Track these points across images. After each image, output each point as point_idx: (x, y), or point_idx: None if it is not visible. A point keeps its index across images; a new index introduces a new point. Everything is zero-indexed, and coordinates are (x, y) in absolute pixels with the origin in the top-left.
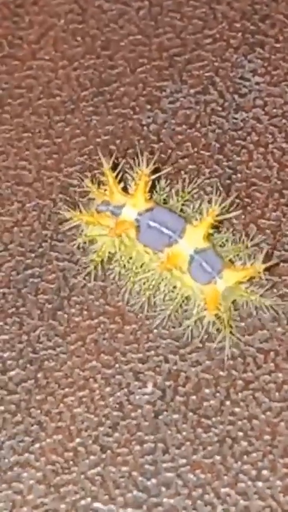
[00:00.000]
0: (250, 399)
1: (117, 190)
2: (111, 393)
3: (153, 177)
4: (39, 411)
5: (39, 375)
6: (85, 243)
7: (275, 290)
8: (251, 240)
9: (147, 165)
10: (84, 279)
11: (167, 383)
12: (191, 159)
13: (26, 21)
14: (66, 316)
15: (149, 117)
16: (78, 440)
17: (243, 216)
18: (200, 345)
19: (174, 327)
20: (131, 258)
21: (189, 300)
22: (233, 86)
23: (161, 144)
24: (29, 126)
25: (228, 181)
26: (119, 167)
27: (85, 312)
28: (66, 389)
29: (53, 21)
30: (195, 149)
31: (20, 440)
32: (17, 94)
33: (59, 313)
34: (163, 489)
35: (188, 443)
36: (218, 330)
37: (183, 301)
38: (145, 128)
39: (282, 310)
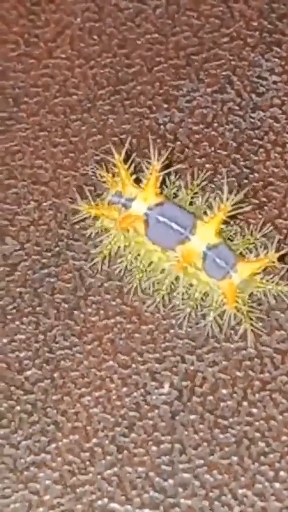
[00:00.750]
0: (267, 400)
1: (129, 181)
2: (128, 393)
3: (164, 172)
4: (55, 411)
5: (55, 375)
6: (97, 233)
7: None
8: (259, 231)
9: (158, 159)
10: (92, 270)
11: (184, 383)
12: (208, 158)
13: (42, 19)
14: (82, 315)
15: (165, 116)
16: (94, 440)
17: (260, 216)
18: (217, 345)
19: (191, 327)
20: (139, 254)
21: (208, 296)
22: (250, 84)
23: (178, 143)
24: (46, 125)
25: (245, 181)
26: (131, 158)
27: (102, 312)
28: (83, 389)
29: (69, 19)
30: (212, 148)
31: (36, 440)
32: (34, 93)
33: (76, 312)
34: (180, 490)
35: (205, 444)
36: (238, 323)
37: (202, 298)
38: (162, 126)
39: None
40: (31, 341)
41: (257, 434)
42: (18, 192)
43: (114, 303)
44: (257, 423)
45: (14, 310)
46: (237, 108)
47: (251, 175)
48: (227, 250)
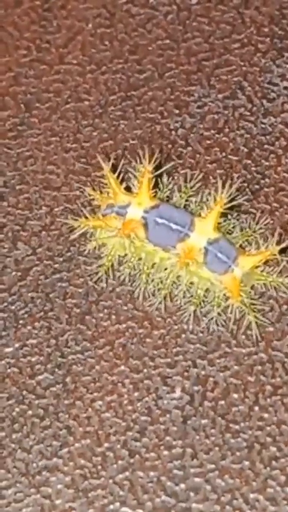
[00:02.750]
0: (279, 405)
1: (120, 190)
2: (140, 398)
3: (156, 173)
4: (67, 416)
5: (67, 380)
6: (95, 248)
7: None
8: (257, 223)
9: (149, 162)
10: (95, 283)
11: (196, 388)
12: (219, 164)
13: (54, 25)
14: (94, 320)
15: (177, 122)
16: (106, 445)
17: (271, 221)
18: (229, 350)
19: (202, 332)
20: (140, 259)
21: (210, 293)
22: (262, 90)
23: (189, 148)
24: (57, 131)
25: (256, 186)
26: (119, 167)
27: (113, 317)
28: (95, 394)
29: (81, 25)
30: (224, 154)
31: (48, 444)
32: (45, 98)
33: (87, 317)
34: (191, 494)
35: (216, 448)
36: (242, 316)
37: (204, 295)
38: (173, 132)
39: None
40: (43, 346)
41: (269, 439)
42: (30, 198)
43: (125, 307)
44: (268, 428)
45: (26, 315)
46: (248, 113)
47: (262, 181)
48: (227, 244)
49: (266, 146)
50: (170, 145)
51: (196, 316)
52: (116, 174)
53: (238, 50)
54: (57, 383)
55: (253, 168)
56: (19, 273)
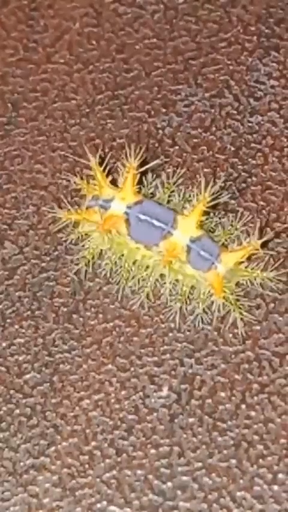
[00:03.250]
0: (266, 403)
1: (106, 183)
2: (127, 396)
3: (141, 170)
4: (54, 414)
5: (54, 378)
6: (78, 238)
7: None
8: (239, 220)
9: (135, 158)
10: (76, 275)
11: (183, 386)
12: (206, 162)
13: (41, 24)
14: (81, 319)
15: (164, 121)
16: (93, 443)
17: (258, 220)
18: (216, 349)
19: (189, 331)
20: (122, 255)
21: (195, 290)
22: (248, 89)
23: (176, 147)
24: (44, 130)
25: (243, 185)
26: (106, 161)
27: (100, 315)
28: (82, 393)
29: (68, 24)
30: (211, 152)
31: (35, 443)
32: (32, 97)
33: (75, 316)
34: (179, 492)
35: (203, 446)
36: (227, 312)
37: (189, 292)
38: (160, 131)
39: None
40: (30, 345)
41: (256, 437)
42: (17, 197)
43: (113, 306)
44: (255, 426)
45: (13, 314)
46: (235, 112)
47: (249, 179)
48: (210, 241)
49: (252, 145)
50: (157, 144)
51: (182, 314)
52: (103, 168)
53: (225, 48)
54: (44, 382)
55: (240, 167)
56: (6, 272)
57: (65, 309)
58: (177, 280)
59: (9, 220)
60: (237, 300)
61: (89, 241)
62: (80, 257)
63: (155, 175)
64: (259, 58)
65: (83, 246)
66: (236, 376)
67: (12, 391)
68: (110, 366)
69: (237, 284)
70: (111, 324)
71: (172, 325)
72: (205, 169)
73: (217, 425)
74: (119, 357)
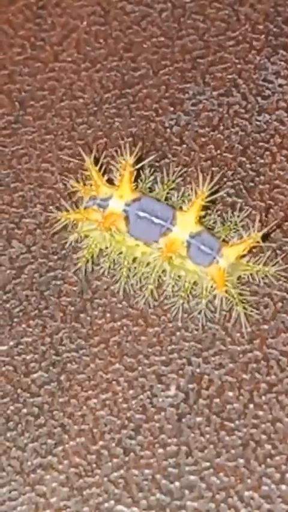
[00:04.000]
0: (273, 402)
1: (102, 182)
2: (134, 396)
3: (138, 166)
4: (62, 414)
5: (62, 378)
6: (77, 240)
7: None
8: (238, 216)
9: (131, 155)
10: (76, 274)
11: (190, 386)
12: (214, 161)
13: (48, 23)
14: (89, 318)
15: (171, 119)
16: (101, 443)
17: (265, 218)
18: (224, 348)
19: (197, 330)
20: (121, 253)
21: (197, 285)
22: (256, 88)
23: (184, 146)
24: (52, 128)
25: (251, 184)
26: (101, 160)
27: (108, 315)
28: (89, 392)
29: (75, 23)
30: (218, 151)
31: (43, 442)
32: (40, 96)
33: (82, 315)
34: (186, 492)
35: (211, 446)
36: (231, 308)
37: (191, 288)
38: (168, 130)
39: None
40: (38, 344)
41: (264, 437)
42: (25, 195)
43: (120, 305)
44: (263, 425)
45: (21, 313)
46: (243, 111)
47: (257, 178)
48: (210, 236)
49: (260, 144)
50: (164, 143)
51: (190, 314)
52: (98, 167)
53: (233, 47)
54: (51, 381)
55: (248, 166)
56: (14, 271)
57: (73, 308)
58: (179, 277)
59: (16, 219)
60: (240, 295)
61: (88, 240)
62: (80, 256)
63: (152, 170)
64: (267, 57)
65: (83, 245)
66: (244, 376)
67: (19, 390)
68: (117, 365)
69: (239, 279)
70: (119, 323)
71: (180, 324)
72: (213, 168)
73: (225, 424)
74: (126, 356)
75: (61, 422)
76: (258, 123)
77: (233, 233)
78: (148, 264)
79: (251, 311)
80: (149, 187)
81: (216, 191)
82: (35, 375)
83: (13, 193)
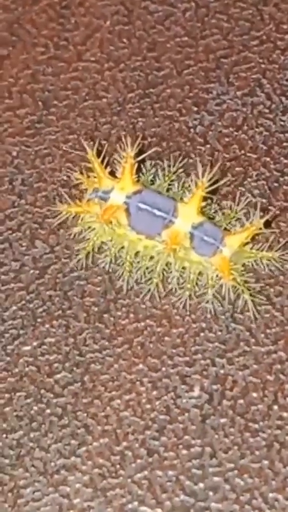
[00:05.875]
0: None
1: (104, 174)
2: (158, 397)
3: (139, 158)
4: (85, 414)
5: (85, 378)
6: (81, 232)
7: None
8: (238, 204)
9: (132, 147)
10: (76, 267)
11: (214, 387)
12: (238, 161)
13: (72, 22)
14: (112, 319)
15: (195, 119)
16: (125, 443)
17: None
18: (248, 349)
19: (221, 331)
20: (123, 247)
21: (203, 276)
22: (280, 88)
23: (208, 146)
24: (75, 128)
25: (275, 184)
26: (104, 152)
27: (131, 315)
28: (113, 393)
29: (99, 22)
30: (242, 151)
31: (66, 443)
32: (63, 96)
33: (106, 316)
34: (210, 493)
35: (235, 447)
36: (238, 296)
37: (197, 279)
38: (191, 130)
39: None
40: (61, 344)
41: None
42: (48, 196)
43: (144, 306)
44: (287, 427)
45: (44, 313)
46: (267, 111)
47: (281, 178)
48: (212, 226)
49: (285, 144)
50: (188, 143)
51: (215, 315)
52: (100, 159)
53: (257, 47)
54: (75, 381)
55: (272, 166)
56: (37, 271)
57: (96, 309)
58: (183, 268)
59: (40, 219)
60: (246, 282)
61: (90, 233)
62: (81, 248)
63: (153, 163)
64: None
65: (84, 237)
66: (268, 377)
67: (43, 391)
68: (141, 366)
69: (243, 266)
70: (143, 323)
71: (204, 325)
72: (237, 169)
73: (249, 426)
74: (150, 357)
75: (84, 423)
76: (282, 123)
77: (234, 221)
78: (152, 257)
79: (258, 298)
80: (151, 180)
81: (216, 181)
82: (58, 376)
83: (36, 193)
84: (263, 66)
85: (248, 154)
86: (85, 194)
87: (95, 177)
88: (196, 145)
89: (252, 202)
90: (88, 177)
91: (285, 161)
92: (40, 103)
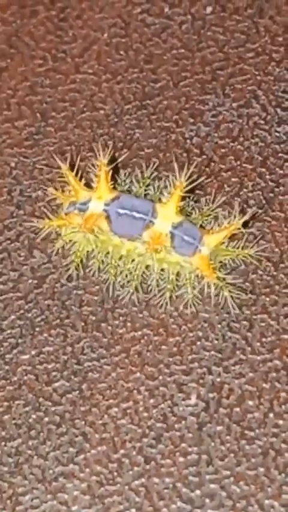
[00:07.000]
0: None
1: (80, 186)
2: (155, 405)
3: (113, 165)
4: (83, 422)
5: (83, 386)
6: (63, 246)
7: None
8: (213, 202)
9: (104, 155)
10: (67, 280)
11: (211, 395)
12: (234, 172)
13: (69, 35)
14: (110, 328)
15: (191, 131)
16: (122, 451)
17: (286, 229)
18: (244, 357)
19: (217, 339)
20: (108, 253)
21: (180, 276)
22: (276, 99)
23: (204, 157)
24: (73, 139)
25: (271, 195)
26: (77, 165)
27: (129, 324)
28: (111, 401)
29: (96, 35)
30: (238, 162)
31: (64, 451)
32: (61, 107)
33: (103, 325)
34: (207, 500)
35: (231, 455)
36: (217, 294)
37: (176, 279)
38: (188, 141)
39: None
40: (59, 353)
41: (284, 446)
42: (46, 206)
43: (141, 315)
44: (283, 434)
45: (42, 323)
46: (262, 122)
47: (276, 189)
48: (191, 226)
49: (280, 154)
50: (184, 154)
51: (211, 323)
52: (74, 172)
53: (252, 59)
54: (73, 390)
55: (267, 176)
56: (35, 281)
57: (94, 318)
58: (162, 270)
59: (38, 229)
60: (224, 279)
61: (74, 245)
62: (69, 262)
63: (127, 172)
64: (286, 68)
65: (70, 252)
66: (264, 385)
67: (41, 399)
68: (138, 374)
69: (221, 263)
70: (140, 332)
71: (200, 333)
72: (232, 179)
73: (245, 433)
74: (147, 365)
75: (82, 430)
76: (277, 134)
77: (210, 219)
78: (133, 260)
79: (237, 294)
80: (128, 190)
81: (193, 181)
82: (56, 384)
83: (35, 203)
84: (258, 78)
85: (244, 165)
86: (60, 210)
87: (69, 191)
88: (192, 156)
89: (230, 202)
90: (63, 191)
91: (281, 172)
92: (38, 114)
